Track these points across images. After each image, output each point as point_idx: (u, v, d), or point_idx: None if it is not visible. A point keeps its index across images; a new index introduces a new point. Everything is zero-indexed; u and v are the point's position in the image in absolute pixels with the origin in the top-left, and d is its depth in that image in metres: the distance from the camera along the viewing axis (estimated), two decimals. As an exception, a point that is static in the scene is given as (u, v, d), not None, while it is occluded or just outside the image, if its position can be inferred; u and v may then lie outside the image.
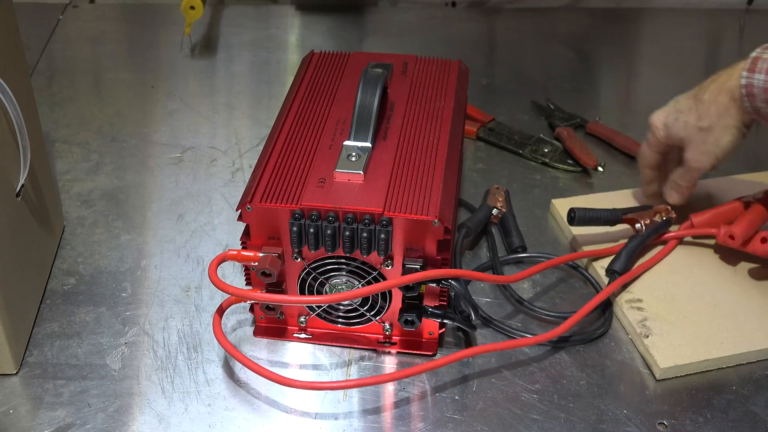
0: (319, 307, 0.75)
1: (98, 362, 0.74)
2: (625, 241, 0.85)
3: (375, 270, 0.72)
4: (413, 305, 0.73)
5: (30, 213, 0.77)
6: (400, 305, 0.74)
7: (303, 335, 0.77)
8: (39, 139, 0.82)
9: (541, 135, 1.06)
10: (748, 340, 0.77)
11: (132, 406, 0.70)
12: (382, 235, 0.69)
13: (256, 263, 0.71)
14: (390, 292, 0.73)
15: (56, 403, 0.70)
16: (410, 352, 0.76)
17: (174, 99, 1.12)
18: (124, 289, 0.82)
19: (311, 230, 0.69)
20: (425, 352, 0.76)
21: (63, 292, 0.81)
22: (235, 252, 0.71)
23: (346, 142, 0.75)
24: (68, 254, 0.85)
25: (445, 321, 0.74)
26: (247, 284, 0.75)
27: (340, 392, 0.72)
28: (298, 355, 0.76)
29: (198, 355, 0.75)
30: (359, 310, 0.75)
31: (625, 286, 0.82)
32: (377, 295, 0.74)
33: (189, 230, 0.89)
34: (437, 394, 0.73)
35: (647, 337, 0.77)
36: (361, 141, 0.74)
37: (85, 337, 0.76)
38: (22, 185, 0.73)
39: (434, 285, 0.71)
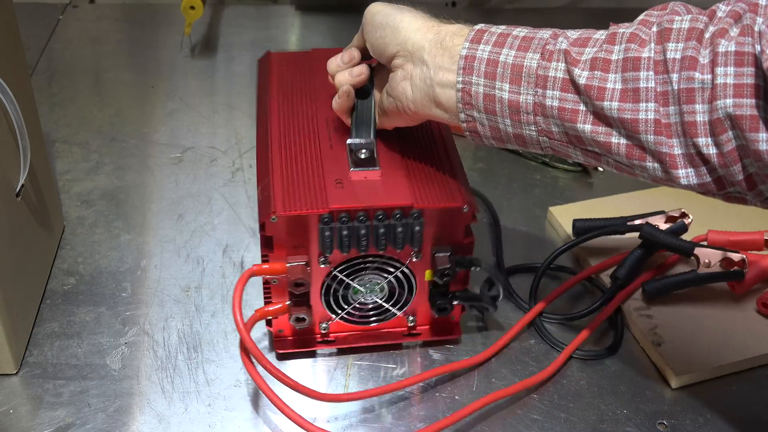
0: (342, 310, 0.74)
1: (98, 362, 0.74)
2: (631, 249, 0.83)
3: (402, 264, 0.72)
4: (442, 292, 0.73)
5: (30, 213, 0.77)
6: (423, 296, 0.74)
7: (326, 342, 0.76)
8: (39, 139, 0.82)
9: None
10: (759, 343, 0.77)
11: (132, 406, 0.70)
12: (417, 228, 0.69)
13: (283, 275, 0.69)
14: (415, 284, 0.74)
15: (56, 403, 0.70)
16: (437, 339, 0.77)
17: (174, 99, 1.12)
18: (124, 289, 0.82)
19: (344, 232, 0.68)
20: (451, 337, 0.77)
21: (63, 292, 0.81)
22: (263, 266, 0.69)
23: (350, 140, 0.74)
24: (68, 254, 0.85)
25: (473, 304, 0.75)
26: (266, 299, 0.73)
27: (341, 391, 0.72)
28: (298, 359, 0.76)
29: (198, 355, 0.75)
30: (384, 306, 0.75)
31: (630, 294, 0.81)
32: (403, 289, 0.74)
33: (189, 230, 0.89)
34: (437, 394, 0.73)
35: (659, 345, 0.76)
36: (364, 138, 0.74)
37: (85, 337, 0.76)
38: (22, 185, 0.73)
39: (461, 270, 0.73)
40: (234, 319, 0.66)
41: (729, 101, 0.53)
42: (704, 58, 0.54)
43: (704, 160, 0.56)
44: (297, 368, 0.75)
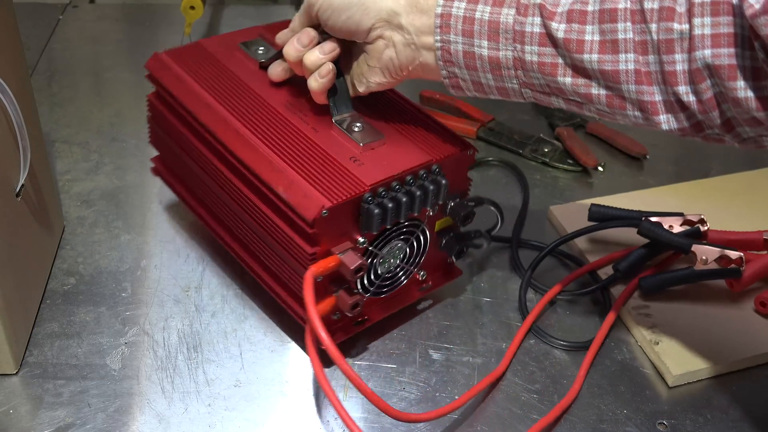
0: (372, 285, 0.74)
1: (98, 362, 0.74)
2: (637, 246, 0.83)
3: (422, 222, 0.73)
4: (453, 237, 0.77)
5: (30, 213, 0.77)
6: (433, 248, 0.76)
7: (360, 323, 0.76)
8: (39, 139, 0.82)
9: (541, 135, 1.06)
10: (758, 343, 0.77)
11: (132, 406, 0.70)
12: (444, 182, 0.71)
13: (336, 267, 0.68)
14: (428, 242, 0.75)
15: (56, 403, 0.70)
16: (446, 283, 0.81)
17: (174, 99, 1.12)
18: (124, 289, 0.82)
19: (390, 205, 0.68)
20: (456, 277, 0.81)
21: (63, 292, 0.81)
22: (320, 264, 0.67)
23: (337, 117, 0.74)
24: (68, 254, 0.85)
25: (473, 242, 0.78)
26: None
27: (340, 392, 0.72)
28: (298, 359, 0.76)
29: (198, 355, 0.75)
30: (402, 271, 0.76)
31: (629, 294, 0.82)
32: (420, 246, 0.75)
33: (189, 230, 0.89)
34: (437, 394, 0.73)
35: (657, 344, 0.76)
36: (348, 111, 0.74)
37: (85, 337, 0.76)
38: (22, 185, 0.73)
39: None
40: (317, 334, 0.63)
41: (707, 52, 0.54)
42: (681, 7, 0.56)
43: (683, 107, 0.58)
44: (298, 368, 0.75)
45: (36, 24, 1.27)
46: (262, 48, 0.82)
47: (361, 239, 0.69)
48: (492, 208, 0.79)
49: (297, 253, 0.69)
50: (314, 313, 0.64)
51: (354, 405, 0.71)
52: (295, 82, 0.77)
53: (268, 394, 0.72)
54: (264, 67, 0.79)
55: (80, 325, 0.78)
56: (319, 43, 0.72)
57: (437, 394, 0.73)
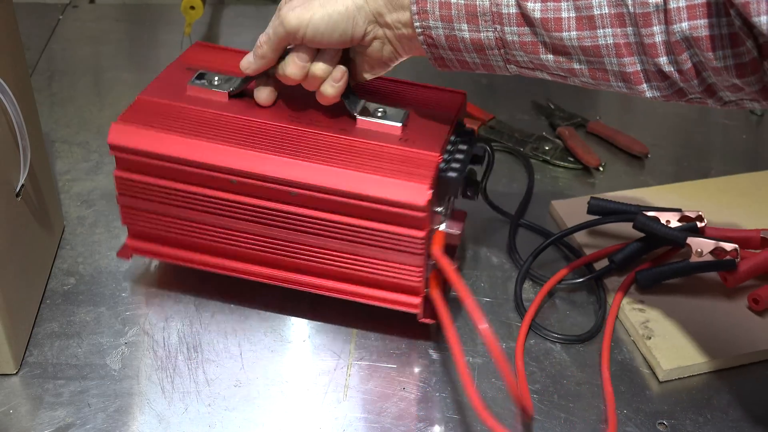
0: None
1: (98, 362, 0.74)
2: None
3: None
4: (468, 182, 0.78)
5: (30, 213, 0.77)
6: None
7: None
8: (39, 139, 0.82)
9: (543, 133, 1.06)
10: (750, 340, 0.77)
11: (132, 406, 0.70)
12: (471, 130, 0.75)
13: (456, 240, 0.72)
14: (453, 200, 0.77)
15: (56, 403, 0.70)
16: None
17: (174, 99, 1.12)
18: (124, 289, 0.82)
19: (458, 165, 0.71)
20: (464, 218, 0.80)
21: (63, 292, 0.81)
22: (437, 243, 0.70)
23: (356, 111, 0.73)
24: (68, 254, 0.85)
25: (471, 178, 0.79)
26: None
27: (340, 392, 0.72)
28: (298, 357, 0.76)
29: (198, 355, 0.75)
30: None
31: (626, 288, 0.82)
32: (450, 201, 0.76)
33: (189, 230, 0.89)
34: (437, 394, 0.73)
35: (649, 338, 0.77)
36: (359, 102, 0.74)
37: (85, 337, 0.76)
38: (22, 185, 0.73)
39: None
40: (470, 307, 0.64)
41: (684, 25, 0.56)
42: None
43: (665, 76, 0.60)
44: (298, 368, 0.75)
45: (36, 24, 1.27)
46: (217, 78, 0.77)
47: (439, 208, 0.71)
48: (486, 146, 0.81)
49: (408, 244, 0.70)
50: (461, 281, 0.66)
51: (354, 405, 0.71)
52: (280, 97, 0.76)
53: (268, 394, 0.72)
54: (235, 95, 0.76)
55: (80, 325, 0.78)
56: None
57: (437, 394, 0.73)
